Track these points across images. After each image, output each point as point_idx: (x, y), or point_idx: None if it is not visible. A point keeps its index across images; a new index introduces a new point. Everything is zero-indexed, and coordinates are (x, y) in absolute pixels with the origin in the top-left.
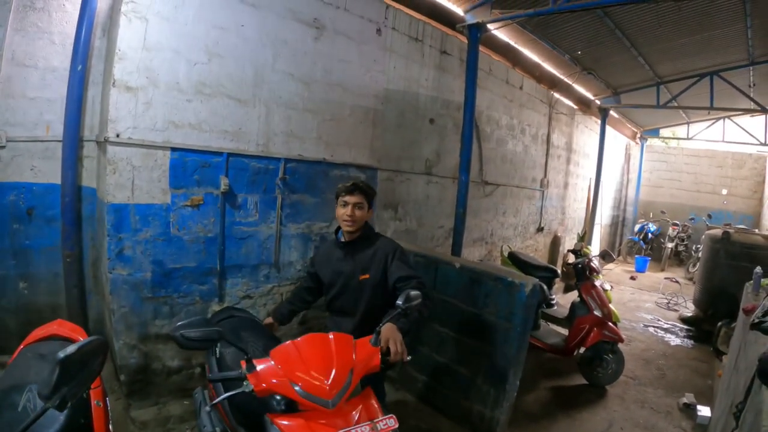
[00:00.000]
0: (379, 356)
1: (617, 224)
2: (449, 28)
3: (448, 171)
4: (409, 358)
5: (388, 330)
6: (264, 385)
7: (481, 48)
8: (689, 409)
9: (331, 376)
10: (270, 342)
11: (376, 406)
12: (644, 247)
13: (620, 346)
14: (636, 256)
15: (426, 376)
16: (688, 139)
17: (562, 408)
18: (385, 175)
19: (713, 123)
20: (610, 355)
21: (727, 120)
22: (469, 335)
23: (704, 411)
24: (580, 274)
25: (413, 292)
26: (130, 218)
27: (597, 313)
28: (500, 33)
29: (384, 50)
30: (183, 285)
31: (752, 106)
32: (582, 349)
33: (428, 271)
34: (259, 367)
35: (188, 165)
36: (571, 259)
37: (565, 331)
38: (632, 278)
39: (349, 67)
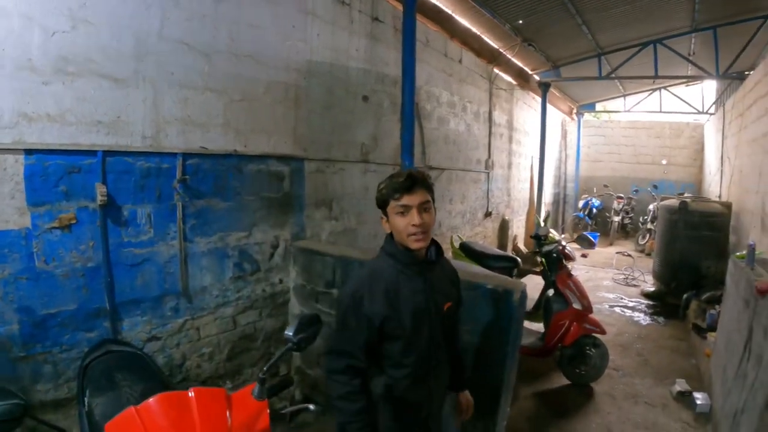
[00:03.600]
0: (268, 414)
1: (559, 202)
2: None
3: (387, 157)
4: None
5: (467, 399)
6: None
7: (417, 15)
8: (685, 397)
9: None
10: (151, 385)
11: None
12: (590, 222)
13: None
14: (583, 232)
15: None
16: (625, 111)
17: (550, 419)
18: (314, 167)
19: (650, 94)
20: (592, 350)
21: (663, 91)
22: None
23: (702, 398)
24: (554, 264)
25: (307, 318)
26: None
27: (576, 306)
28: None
29: (304, 14)
30: (64, 335)
31: (695, 72)
32: (561, 347)
33: None
34: None
35: (50, 172)
36: (529, 245)
37: (535, 327)
38: (584, 255)
39: (262, 34)
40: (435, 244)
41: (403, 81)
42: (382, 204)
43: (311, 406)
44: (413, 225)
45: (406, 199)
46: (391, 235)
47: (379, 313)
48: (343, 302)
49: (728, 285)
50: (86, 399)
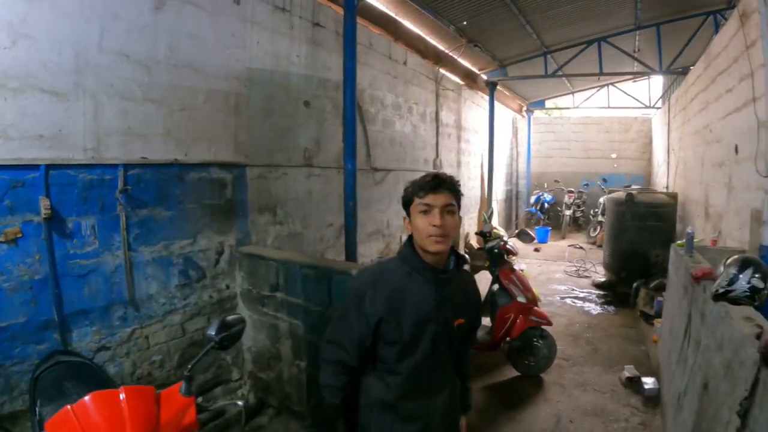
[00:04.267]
0: (195, 409)
1: (511, 198)
2: None
3: (331, 161)
4: None
5: (463, 424)
6: None
7: (359, 20)
8: (633, 383)
9: None
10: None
11: None
12: (542, 217)
13: (547, 327)
14: (536, 227)
15: None
16: (574, 108)
17: (500, 410)
18: (257, 172)
19: (597, 91)
20: (539, 341)
21: (611, 87)
22: None
23: (650, 383)
24: (496, 259)
25: (229, 318)
26: None
27: (520, 299)
28: (379, 3)
29: (244, 22)
30: (14, 348)
31: (639, 68)
32: (509, 340)
33: (320, 285)
34: None
35: None
36: (479, 242)
37: (484, 321)
38: (536, 250)
39: (201, 44)
40: (456, 255)
41: (344, 85)
42: (407, 203)
43: (239, 402)
44: (433, 225)
45: (430, 199)
46: (410, 238)
47: (376, 314)
48: (348, 295)
49: (670, 273)
50: (37, 409)
